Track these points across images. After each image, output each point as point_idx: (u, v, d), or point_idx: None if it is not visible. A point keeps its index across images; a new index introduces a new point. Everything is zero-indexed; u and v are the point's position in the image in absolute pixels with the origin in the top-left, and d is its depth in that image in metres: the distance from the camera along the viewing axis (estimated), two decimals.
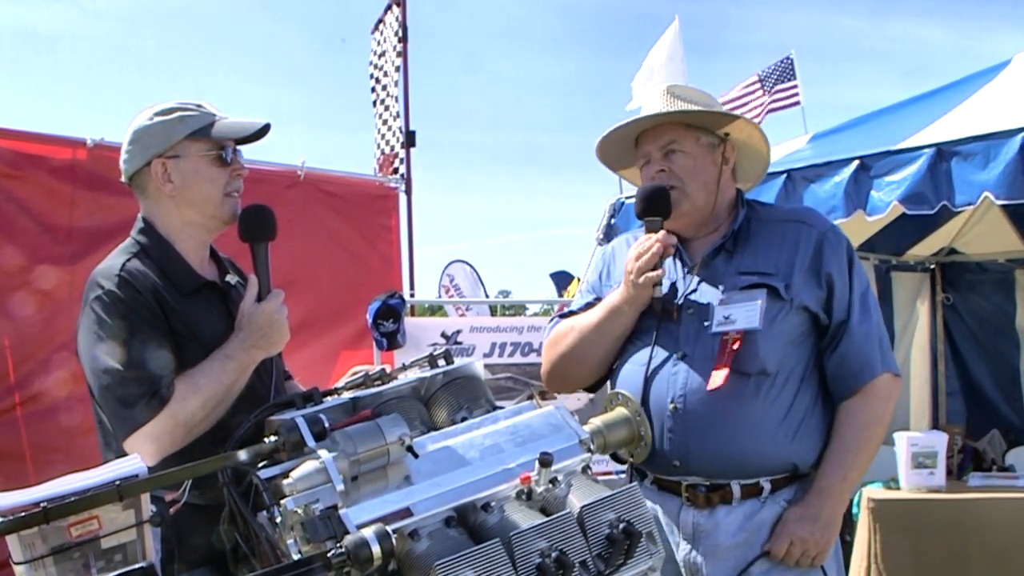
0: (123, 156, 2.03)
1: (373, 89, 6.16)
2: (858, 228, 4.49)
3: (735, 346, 2.04)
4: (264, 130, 2.05)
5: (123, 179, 2.05)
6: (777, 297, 2.09)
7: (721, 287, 2.15)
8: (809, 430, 2.11)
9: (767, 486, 2.09)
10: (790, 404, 2.09)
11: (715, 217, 2.25)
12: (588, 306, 2.34)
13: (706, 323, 2.12)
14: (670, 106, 2.21)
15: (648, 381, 2.14)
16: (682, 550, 2.12)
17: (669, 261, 2.23)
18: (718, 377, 2.04)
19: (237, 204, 2.03)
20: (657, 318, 2.19)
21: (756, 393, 2.07)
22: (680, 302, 2.19)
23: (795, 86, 8.24)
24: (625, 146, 2.33)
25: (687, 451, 2.09)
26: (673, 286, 2.21)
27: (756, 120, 7.65)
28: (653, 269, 2.14)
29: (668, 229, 2.27)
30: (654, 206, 2.19)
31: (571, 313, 2.38)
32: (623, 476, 2.37)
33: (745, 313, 2.07)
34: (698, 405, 2.08)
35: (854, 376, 2.12)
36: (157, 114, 1.99)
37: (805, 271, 2.13)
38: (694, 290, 2.19)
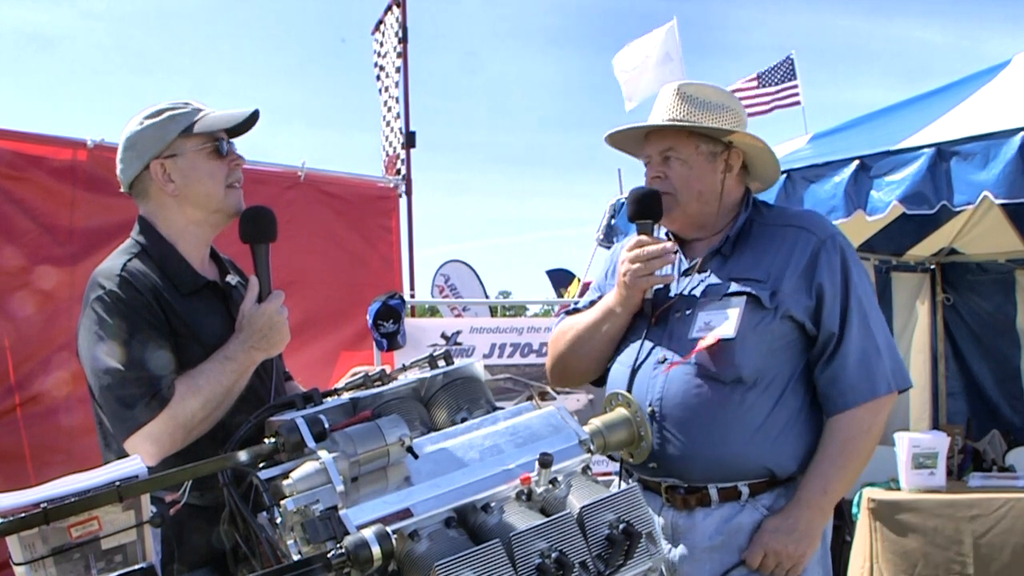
0: (119, 166, 2.02)
1: (380, 91, 6.16)
2: (858, 228, 4.49)
3: (705, 347, 2.04)
4: (253, 118, 2.04)
5: (122, 188, 2.04)
6: (759, 306, 2.07)
7: (709, 291, 2.15)
8: (790, 437, 2.09)
9: (745, 490, 2.09)
10: (769, 411, 2.07)
11: (716, 221, 2.24)
12: (592, 304, 2.35)
13: (688, 327, 2.12)
14: (676, 111, 2.19)
15: (631, 382, 2.15)
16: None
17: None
18: (671, 363, 2.07)
19: (240, 195, 2.03)
20: (647, 321, 2.19)
21: (731, 399, 2.06)
22: (671, 304, 2.19)
23: (795, 86, 8.24)
24: (638, 136, 2.31)
25: (663, 454, 2.09)
26: (668, 287, 2.22)
27: (756, 114, 7.65)
28: (650, 273, 2.13)
29: (668, 230, 2.29)
30: (645, 209, 2.18)
31: (576, 311, 2.40)
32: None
33: (723, 320, 2.06)
34: (674, 409, 2.08)
35: (843, 396, 2.08)
36: (147, 118, 1.99)
37: (796, 279, 2.10)
38: (685, 294, 2.19)
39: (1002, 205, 5.02)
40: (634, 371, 2.16)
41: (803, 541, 2.04)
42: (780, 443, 2.08)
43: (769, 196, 4.03)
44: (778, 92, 8.27)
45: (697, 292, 2.17)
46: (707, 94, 2.22)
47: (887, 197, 3.82)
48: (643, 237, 2.17)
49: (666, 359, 2.12)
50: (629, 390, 2.13)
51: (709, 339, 2.04)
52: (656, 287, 2.19)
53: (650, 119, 2.25)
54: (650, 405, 2.11)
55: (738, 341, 2.03)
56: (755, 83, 8.41)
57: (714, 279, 2.17)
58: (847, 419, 2.08)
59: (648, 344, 2.17)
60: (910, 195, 3.72)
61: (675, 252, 2.18)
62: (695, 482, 2.10)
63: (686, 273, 2.23)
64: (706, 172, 2.20)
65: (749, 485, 2.09)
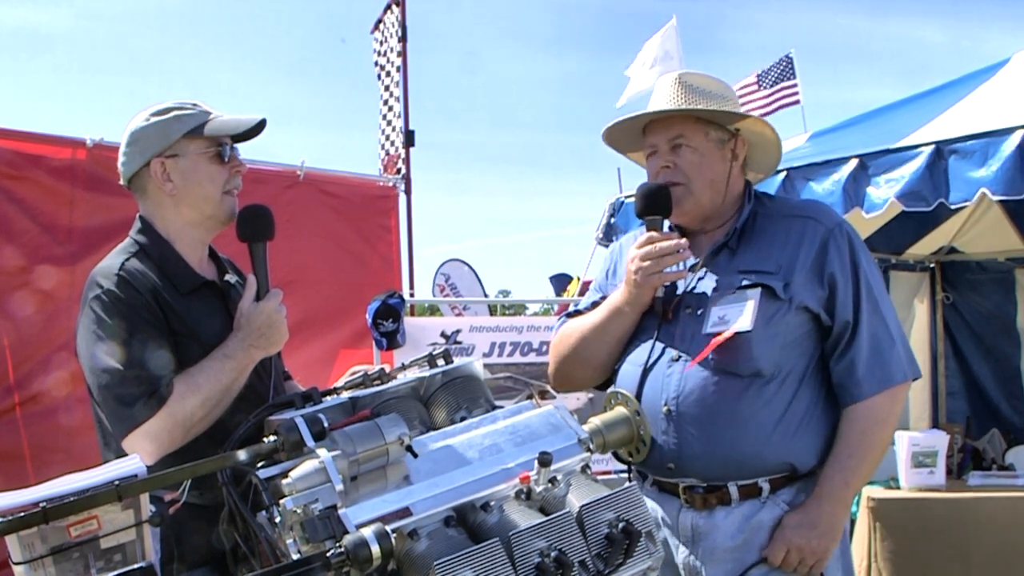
0: (121, 159, 2.02)
1: (381, 91, 6.15)
2: (856, 226, 4.47)
3: (723, 340, 2.01)
4: (260, 126, 2.04)
5: (122, 182, 2.04)
6: (774, 297, 2.04)
7: (720, 286, 2.11)
8: (808, 430, 2.06)
9: (766, 487, 2.05)
10: (787, 405, 2.04)
11: (722, 212, 2.21)
12: (594, 305, 2.30)
13: (702, 323, 2.08)
14: (680, 99, 2.15)
15: (643, 382, 2.11)
16: (681, 552, 2.10)
17: None
18: (694, 360, 2.03)
19: (235, 202, 2.03)
20: (657, 317, 2.16)
21: (750, 394, 2.03)
22: (680, 300, 2.16)
23: (795, 85, 8.24)
24: (633, 131, 2.28)
25: (680, 453, 2.06)
26: (674, 284, 2.18)
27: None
28: (661, 270, 2.10)
29: (673, 223, 2.24)
30: (654, 204, 2.15)
31: (577, 313, 2.36)
32: (623, 475, 2.35)
33: (739, 313, 2.02)
34: (691, 407, 2.05)
35: (859, 386, 2.06)
36: (153, 115, 1.99)
37: (808, 270, 2.07)
38: (694, 288, 2.16)
39: (1002, 204, 5.02)
40: (646, 370, 2.12)
41: (827, 535, 2.02)
42: (799, 437, 2.05)
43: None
44: (778, 92, 8.27)
45: (707, 287, 2.14)
46: (708, 84, 2.19)
47: (885, 194, 3.81)
48: (654, 233, 2.14)
49: (681, 357, 2.09)
50: (641, 389, 2.10)
51: (727, 333, 2.01)
52: (665, 285, 2.15)
53: (650, 109, 2.20)
54: (666, 404, 2.07)
55: (755, 334, 2.00)
56: (755, 83, 8.41)
57: (723, 273, 2.13)
58: (864, 409, 2.06)
59: (660, 343, 2.14)
60: (908, 192, 3.71)
61: (688, 248, 2.14)
62: (715, 480, 2.06)
63: (692, 268, 2.19)
64: (716, 160, 2.17)
65: (770, 481, 2.05)
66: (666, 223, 2.22)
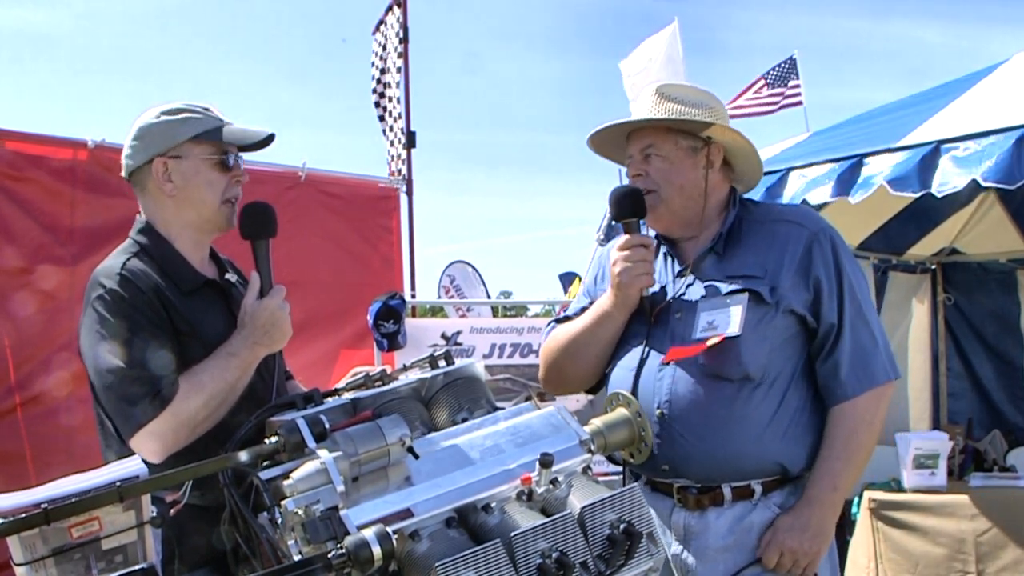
0: (125, 151, 2.03)
1: (378, 92, 6.14)
2: (848, 217, 4.45)
3: (710, 343, 2.03)
4: (268, 140, 2.05)
5: (123, 174, 2.05)
6: (761, 301, 2.07)
7: (708, 291, 2.14)
8: (799, 432, 2.10)
9: (758, 488, 2.09)
10: (777, 407, 2.08)
11: (705, 219, 2.23)
12: (583, 310, 2.33)
13: (690, 329, 2.11)
14: (653, 109, 2.20)
15: (635, 385, 2.14)
16: (673, 551, 2.12)
17: (660, 263, 2.24)
18: (674, 354, 2.06)
19: (233, 212, 2.03)
20: (647, 322, 2.18)
21: (741, 398, 2.06)
22: (668, 306, 2.18)
23: (798, 85, 8.23)
24: (621, 142, 2.32)
25: (674, 455, 2.09)
26: (663, 289, 2.21)
27: (761, 115, 7.64)
28: (646, 272, 2.13)
29: (656, 231, 2.28)
30: (628, 207, 2.18)
31: (567, 318, 2.38)
32: (618, 476, 2.36)
33: (727, 319, 2.05)
34: (683, 410, 2.08)
35: (843, 387, 2.10)
36: (164, 113, 1.99)
37: (793, 273, 2.11)
38: (682, 294, 2.19)
39: (1003, 204, 5.03)
40: (637, 374, 2.14)
41: (818, 538, 2.06)
42: (789, 439, 2.09)
43: (761, 188, 4.01)
44: (781, 93, 8.26)
45: (695, 292, 2.17)
46: (686, 93, 2.23)
47: (874, 180, 3.80)
48: (630, 237, 2.17)
49: (671, 361, 2.11)
50: (633, 393, 2.11)
51: (715, 338, 2.03)
52: (653, 289, 2.18)
53: (623, 120, 2.24)
54: (658, 407, 2.10)
55: (743, 338, 2.03)
56: (761, 84, 8.40)
57: (711, 278, 2.16)
58: (850, 409, 2.09)
59: (650, 346, 2.16)
60: (897, 178, 3.70)
61: (658, 247, 2.19)
62: (710, 482, 2.09)
63: (680, 274, 2.22)
64: (687, 167, 2.20)
65: (762, 483, 2.09)
66: (651, 232, 2.26)
